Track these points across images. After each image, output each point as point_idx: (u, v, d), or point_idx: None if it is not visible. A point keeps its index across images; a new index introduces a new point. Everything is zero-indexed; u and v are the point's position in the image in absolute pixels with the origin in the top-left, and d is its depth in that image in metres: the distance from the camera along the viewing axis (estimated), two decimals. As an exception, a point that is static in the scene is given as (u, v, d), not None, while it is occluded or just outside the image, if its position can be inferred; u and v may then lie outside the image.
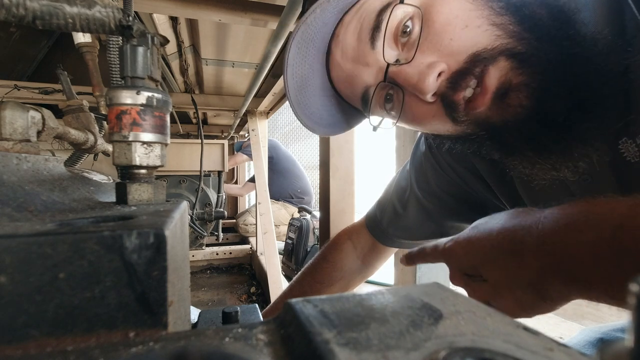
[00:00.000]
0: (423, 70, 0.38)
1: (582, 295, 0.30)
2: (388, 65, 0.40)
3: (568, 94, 0.35)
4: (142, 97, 0.32)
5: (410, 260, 0.48)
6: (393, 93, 0.43)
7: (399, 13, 0.39)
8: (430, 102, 0.40)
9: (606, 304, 0.29)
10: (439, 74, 0.38)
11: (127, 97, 0.32)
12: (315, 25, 0.42)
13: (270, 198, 2.19)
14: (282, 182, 3.12)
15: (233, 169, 3.78)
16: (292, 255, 2.09)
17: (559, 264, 0.30)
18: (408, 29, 0.39)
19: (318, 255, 0.79)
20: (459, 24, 0.37)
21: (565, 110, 0.35)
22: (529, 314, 0.35)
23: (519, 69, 0.36)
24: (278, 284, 1.79)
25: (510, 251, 0.34)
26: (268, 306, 0.76)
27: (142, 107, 0.32)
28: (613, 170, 0.39)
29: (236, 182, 3.87)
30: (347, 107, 0.52)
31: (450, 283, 0.43)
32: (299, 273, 0.79)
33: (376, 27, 0.40)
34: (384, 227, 0.73)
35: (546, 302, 0.33)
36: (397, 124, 0.46)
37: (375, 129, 0.49)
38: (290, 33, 0.98)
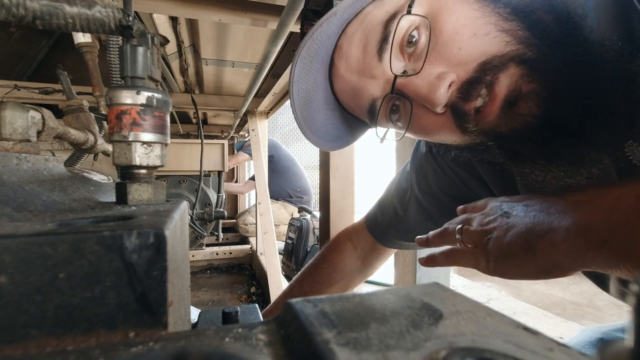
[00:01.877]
0: (433, 82, 0.37)
1: (568, 255, 0.31)
2: (395, 77, 0.40)
3: (578, 101, 0.35)
4: (142, 97, 0.32)
5: (431, 261, 0.46)
6: (400, 104, 0.43)
7: (406, 23, 0.38)
8: (440, 113, 0.39)
9: (602, 267, 0.30)
10: (449, 85, 0.37)
11: (127, 97, 0.32)
12: (320, 39, 0.41)
13: (270, 198, 2.19)
14: (281, 181, 3.12)
15: (233, 168, 3.78)
16: (292, 255, 2.09)
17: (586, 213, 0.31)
18: (414, 39, 0.38)
19: (318, 255, 0.79)
20: (467, 32, 0.36)
21: (576, 117, 0.35)
22: (508, 259, 0.35)
23: (530, 76, 0.35)
24: (278, 284, 1.79)
25: (542, 199, 0.36)
26: (268, 306, 0.76)
27: (142, 107, 0.32)
28: (618, 174, 0.39)
29: (236, 182, 3.88)
30: (350, 119, 0.51)
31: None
32: (299, 273, 0.78)
33: (384, 39, 0.39)
34: (384, 228, 0.73)
35: (527, 253, 0.34)
36: (405, 134, 0.45)
37: (382, 140, 0.48)
38: (290, 33, 0.98)
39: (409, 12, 0.38)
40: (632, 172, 0.37)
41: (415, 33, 0.38)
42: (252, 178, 3.26)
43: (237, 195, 3.84)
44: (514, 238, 0.35)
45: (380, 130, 0.48)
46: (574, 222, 0.31)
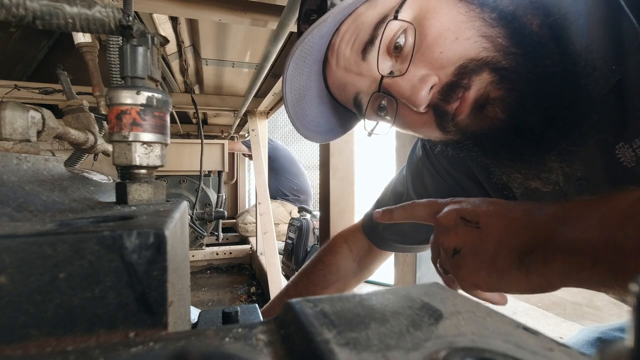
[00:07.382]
0: (416, 84, 0.39)
1: (562, 274, 0.30)
2: (382, 77, 0.42)
3: (543, 110, 0.36)
4: (142, 97, 0.32)
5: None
6: (385, 103, 0.45)
7: (394, 26, 0.40)
8: (423, 112, 0.41)
9: (589, 285, 0.29)
10: (431, 87, 0.39)
11: (127, 97, 0.32)
12: (312, 41, 0.43)
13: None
14: (278, 179, 3.14)
15: (233, 169, 3.79)
16: (292, 255, 2.09)
17: (564, 230, 0.30)
18: (402, 42, 0.40)
19: (314, 257, 0.79)
20: (450, 36, 0.38)
21: (539, 125, 0.37)
22: (496, 274, 0.34)
23: (499, 83, 0.37)
24: (278, 284, 1.79)
25: (524, 210, 0.35)
26: (264, 306, 0.76)
27: (142, 107, 0.32)
28: (609, 176, 0.40)
29: (236, 182, 3.88)
30: (342, 111, 0.53)
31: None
32: (296, 274, 0.79)
33: (370, 41, 0.41)
34: (379, 231, 0.72)
35: (520, 271, 0.32)
36: (392, 128, 0.48)
37: (370, 134, 0.50)
38: (290, 33, 0.98)
39: (395, 18, 0.40)
40: (623, 174, 0.38)
41: (402, 36, 0.40)
42: (244, 142, 3.22)
43: (237, 195, 3.85)
44: (500, 254, 0.34)
45: (370, 123, 0.50)
46: (567, 239, 0.30)
